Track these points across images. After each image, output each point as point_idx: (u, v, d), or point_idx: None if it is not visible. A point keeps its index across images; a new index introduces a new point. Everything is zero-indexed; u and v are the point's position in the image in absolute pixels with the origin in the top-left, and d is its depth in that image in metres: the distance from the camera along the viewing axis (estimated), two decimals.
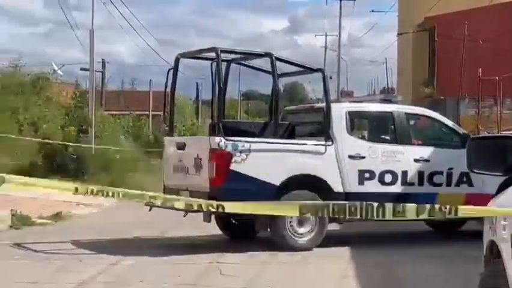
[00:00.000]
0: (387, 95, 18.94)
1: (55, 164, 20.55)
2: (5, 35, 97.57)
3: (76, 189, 7.91)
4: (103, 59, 37.16)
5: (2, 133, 18.97)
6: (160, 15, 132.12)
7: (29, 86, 35.89)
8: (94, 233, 11.76)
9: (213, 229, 11.25)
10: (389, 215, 4.77)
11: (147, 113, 37.24)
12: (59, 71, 41.51)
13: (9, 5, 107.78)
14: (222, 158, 9.88)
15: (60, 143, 20.48)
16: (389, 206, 4.77)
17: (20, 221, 12.34)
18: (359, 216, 4.93)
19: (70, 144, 20.27)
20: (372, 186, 10.55)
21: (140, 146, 26.21)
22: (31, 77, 37.98)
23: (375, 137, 11.41)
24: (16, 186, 8.35)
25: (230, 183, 9.83)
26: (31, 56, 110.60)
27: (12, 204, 13.39)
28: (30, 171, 20.51)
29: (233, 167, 9.89)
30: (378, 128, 11.83)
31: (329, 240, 10.41)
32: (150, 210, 10.85)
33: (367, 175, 10.57)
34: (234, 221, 11.35)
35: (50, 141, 20.83)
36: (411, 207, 4.74)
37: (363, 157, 10.59)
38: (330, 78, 12.28)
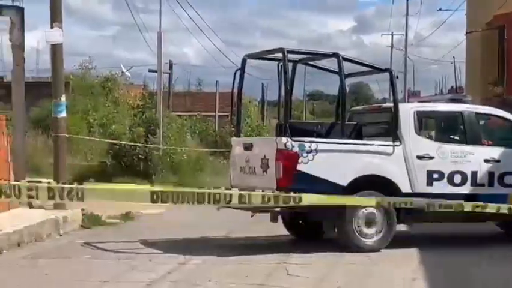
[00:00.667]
0: (456, 94, 18.61)
1: (124, 164, 20.86)
2: (75, 38, 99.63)
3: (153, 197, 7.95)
4: (170, 61, 37.57)
5: (73, 134, 19.34)
6: (226, 17, 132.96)
7: (98, 87, 36.59)
8: (162, 232, 11.91)
9: (280, 230, 11.26)
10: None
11: (213, 113, 37.47)
12: (127, 73, 42.17)
13: (79, 8, 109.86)
14: (288, 159, 9.88)
15: (129, 143, 20.77)
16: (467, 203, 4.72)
17: (90, 220, 12.57)
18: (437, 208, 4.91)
19: (139, 144, 20.55)
20: (441, 187, 10.41)
21: (207, 146, 26.41)
22: (100, 79, 38.71)
23: (444, 137, 11.24)
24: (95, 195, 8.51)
25: (297, 183, 9.82)
26: (100, 58, 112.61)
27: (83, 203, 13.65)
28: (99, 172, 20.92)
29: (300, 167, 9.88)
30: (447, 128, 11.65)
31: (397, 242, 10.30)
32: (218, 210, 10.95)
33: (436, 176, 10.44)
34: (300, 222, 11.34)
35: (118, 141, 21.14)
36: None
37: (432, 157, 10.46)
38: (397, 77, 12.16)
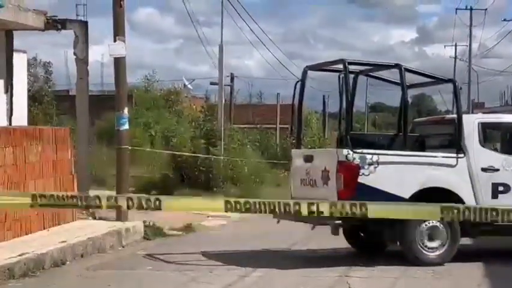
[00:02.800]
0: None
1: (185, 176, 20.99)
2: (139, 51, 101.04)
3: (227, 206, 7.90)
4: (231, 73, 37.82)
5: (135, 146, 19.59)
6: (288, 28, 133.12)
7: (161, 100, 37.03)
8: (223, 244, 11.92)
9: (341, 242, 11.16)
10: None
11: (274, 126, 37.50)
12: (189, 86, 42.60)
13: (143, 22, 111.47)
14: (349, 170, 9.80)
15: (191, 154, 20.88)
16: None
17: (152, 232, 12.67)
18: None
19: (200, 155, 20.66)
20: (507, 200, 10.16)
21: (268, 158, 26.41)
22: (163, 92, 39.16)
23: (509, 148, 10.99)
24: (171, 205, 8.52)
25: (358, 195, 9.69)
26: (163, 70, 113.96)
27: (145, 215, 13.78)
28: (161, 184, 21.09)
29: (361, 179, 9.79)
30: None
31: (461, 256, 10.10)
32: (278, 222, 10.91)
33: (501, 188, 10.21)
34: (362, 234, 11.22)
35: (180, 153, 21.28)
36: None
37: (497, 170, 10.24)
38: (461, 89, 11.99)
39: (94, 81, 42.04)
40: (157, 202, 7.56)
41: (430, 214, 8.05)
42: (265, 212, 8.04)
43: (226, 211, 8.00)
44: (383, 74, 11.84)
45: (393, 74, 11.15)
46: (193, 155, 20.76)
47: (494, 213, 7.72)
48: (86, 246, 10.42)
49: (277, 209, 8.20)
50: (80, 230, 11.27)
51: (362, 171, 9.76)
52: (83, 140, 13.25)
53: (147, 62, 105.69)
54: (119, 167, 13.03)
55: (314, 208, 7.90)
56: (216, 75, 26.43)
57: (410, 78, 10.76)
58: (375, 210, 7.38)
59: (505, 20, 64.96)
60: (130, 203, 7.55)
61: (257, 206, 7.90)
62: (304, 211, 7.85)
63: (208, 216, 16.05)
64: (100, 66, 51.76)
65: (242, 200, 7.83)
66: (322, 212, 7.67)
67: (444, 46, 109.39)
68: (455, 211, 7.55)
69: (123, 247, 11.40)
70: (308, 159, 10.78)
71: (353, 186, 9.76)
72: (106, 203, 7.52)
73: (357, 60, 11.22)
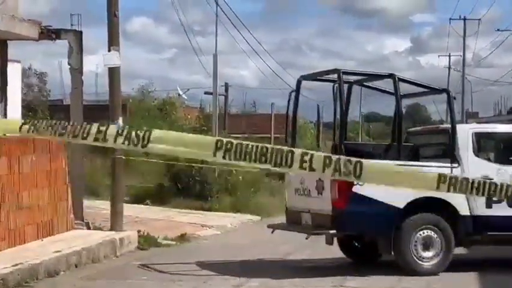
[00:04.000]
0: None
1: (180, 185, 20.98)
2: (134, 61, 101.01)
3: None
4: (226, 83, 37.88)
5: (130, 156, 19.56)
6: (282, 38, 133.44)
7: (155, 110, 37.03)
8: (217, 254, 11.91)
9: (336, 252, 11.16)
10: None
11: (269, 135, 37.52)
12: (183, 95, 42.63)
13: (137, 31, 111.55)
14: (344, 180, 9.78)
15: (185, 163, 20.83)
16: None
17: (147, 242, 12.64)
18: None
19: (193, 164, 20.62)
20: (501, 210, 10.18)
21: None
22: (158, 102, 39.16)
23: (503, 158, 11.00)
24: None
25: (353, 205, 9.74)
26: (158, 80, 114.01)
27: (139, 225, 13.78)
28: (156, 193, 21.07)
29: (356, 189, 9.78)
30: (507, 149, 11.40)
31: (456, 265, 10.11)
32: (273, 232, 10.92)
33: (495, 198, 10.21)
34: (356, 244, 11.23)
35: (174, 162, 21.23)
36: None
37: (491, 179, 10.24)
38: (454, 98, 11.98)
39: (88, 91, 42.02)
40: (147, 133, 7.62)
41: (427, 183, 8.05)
42: (256, 159, 7.74)
43: (215, 152, 7.74)
44: (378, 83, 11.86)
45: (387, 84, 11.18)
46: (187, 163, 20.71)
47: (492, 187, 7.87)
48: (81, 256, 10.40)
49: (269, 154, 7.94)
50: (75, 239, 11.25)
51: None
52: (78, 150, 13.23)
53: (142, 71, 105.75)
54: (114, 177, 13.02)
55: (307, 159, 7.76)
56: (210, 85, 26.46)
57: (404, 88, 10.79)
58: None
59: (498, 30, 65.13)
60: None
61: (249, 148, 7.71)
62: (296, 163, 7.70)
63: (202, 226, 16.06)
64: (95, 76, 51.70)
65: (234, 141, 7.75)
66: (314, 169, 7.63)
67: (438, 56, 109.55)
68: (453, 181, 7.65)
69: (117, 257, 11.38)
70: None
71: (347, 196, 9.77)
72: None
73: (351, 70, 11.24)
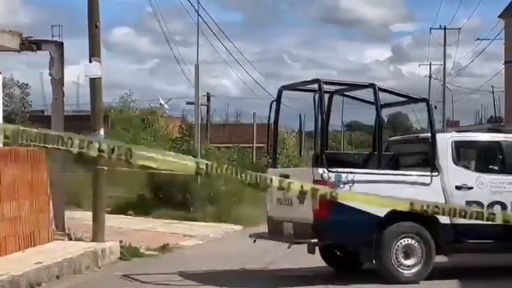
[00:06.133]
0: (495, 124, 18.43)
1: (162, 195, 20.97)
2: (115, 71, 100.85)
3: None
4: (208, 93, 37.90)
5: (111, 167, 19.50)
6: (264, 48, 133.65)
7: (137, 120, 36.99)
8: (200, 264, 11.92)
9: (318, 261, 11.20)
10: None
11: (251, 145, 37.59)
12: (166, 105, 42.61)
13: (119, 42, 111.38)
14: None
15: (166, 171, 20.80)
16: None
17: (129, 252, 12.62)
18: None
19: (175, 172, 20.60)
20: None
21: None
22: (139, 112, 39.12)
23: (483, 167, 11.10)
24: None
25: (334, 214, 9.78)
26: (140, 90, 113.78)
27: (121, 236, 13.75)
28: (138, 204, 21.05)
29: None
30: (486, 158, 11.50)
31: (436, 273, 10.17)
32: (254, 242, 10.94)
33: (475, 206, 10.31)
34: (338, 252, 11.27)
35: (156, 171, 21.22)
36: None
37: (471, 188, 10.35)
38: (435, 107, 12.01)
39: (70, 102, 41.91)
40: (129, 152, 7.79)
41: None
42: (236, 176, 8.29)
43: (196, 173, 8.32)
44: (359, 93, 11.94)
45: (368, 93, 11.25)
46: (168, 172, 20.67)
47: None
48: (62, 267, 10.36)
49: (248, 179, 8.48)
50: (56, 251, 11.21)
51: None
52: (59, 160, 13.20)
53: (123, 82, 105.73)
54: (96, 188, 13.00)
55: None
56: (192, 95, 26.50)
57: (384, 97, 10.86)
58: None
59: (478, 39, 65.52)
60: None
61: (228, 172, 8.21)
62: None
63: (185, 236, 16.06)
64: (76, 86, 51.56)
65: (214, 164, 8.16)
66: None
67: (419, 65, 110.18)
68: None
69: (99, 268, 11.34)
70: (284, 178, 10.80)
71: (328, 206, 9.80)
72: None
73: (332, 80, 11.31)
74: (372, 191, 9.92)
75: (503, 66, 37.55)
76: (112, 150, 8.23)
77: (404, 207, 9.59)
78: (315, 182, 9.82)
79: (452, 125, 46.68)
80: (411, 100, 11.53)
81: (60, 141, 8.09)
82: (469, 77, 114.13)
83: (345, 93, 11.95)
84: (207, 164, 8.61)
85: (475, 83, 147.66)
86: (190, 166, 8.67)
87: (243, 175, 8.68)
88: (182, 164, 8.86)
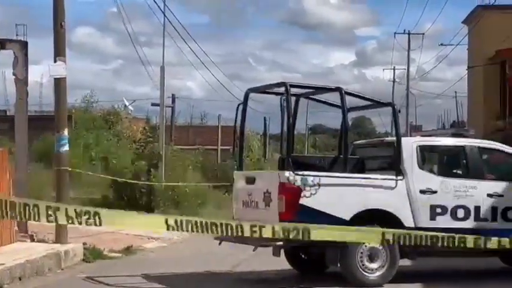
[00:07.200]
0: (458, 128, 18.62)
1: (126, 198, 20.83)
2: (78, 72, 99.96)
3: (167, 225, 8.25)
4: (173, 94, 37.72)
5: (75, 167, 19.38)
6: (229, 50, 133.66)
7: (100, 121, 36.71)
8: (165, 266, 11.85)
9: (283, 264, 11.20)
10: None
11: (215, 147, 37.53)
12: (130, 107, 42.35)
13: (82, 42, 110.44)
14: (291, 193, 9.85)
15: (130, 181, 20.67)
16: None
17: (92, 254, 12.51)
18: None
19: (139, 182, 20.48)
20: (444, 222, 10.37)
21: (209, 179, 26.39)
22: (103, 113, 38.84)
23: (447, 171, 11.22)
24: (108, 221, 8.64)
25: (299, 217, 9.78)
26: (103, 91, 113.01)
27: (85, 237, 13.61)
28: (101, 205, 20.83)
29: (302, 201, 9.85)
30: (450, 162, 11.63)
31: (401, 277, 10.24)
32: (220, 244, 10.90)
33: (439, 210, 10.40)
34: (303, 256, 11.29)
35: (119, 178, 21.08)
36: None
37: (435, 192, 10.44)
38: (399, 112, 12.12)
39: (32, 102, 41.42)
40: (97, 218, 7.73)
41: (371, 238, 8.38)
42: (206, 232, 8.30)
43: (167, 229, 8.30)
44: (324, 96, 11.97)
45: (333, 97, 11.29)
46: (133, 181, 20.52)
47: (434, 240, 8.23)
48: (25, 268, 10.23)
49: (219, 229, 8.48)
50: (19, 252, 11.06)
51: (303, 193, 9.83)
52: (22, 161, 13.03)
53: (87, 82, 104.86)
54: (59, 189, 12.85)
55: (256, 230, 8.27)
56: (157, 96, 26.37)
57: (350, 101, 10.91)
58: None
59: (442, 44, 66.20)
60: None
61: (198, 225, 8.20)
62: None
63: (149, 238, 15.95)
64: (39, 86, 50.95)
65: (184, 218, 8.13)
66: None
67: (383, 69, 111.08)
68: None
69: (62, 270, 11.22)
70: (250, 181, 10.81)
71: (294, 209, 9.82)
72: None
73: (299, 83, 11.30)
74: (337, 194, 9.96)
75: (467, 71, 37.98)
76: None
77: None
78: (282, 184, 9.84)
79: (415, 129, 47.12)
80: (377, 104, 11.60)
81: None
82: (433, 81, 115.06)
83: (312, 96, 11.98)
84: (175, 220, 8.67)
85: (438, 88, 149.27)
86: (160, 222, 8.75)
87: (213, 227, 8.76)
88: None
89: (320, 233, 9.06)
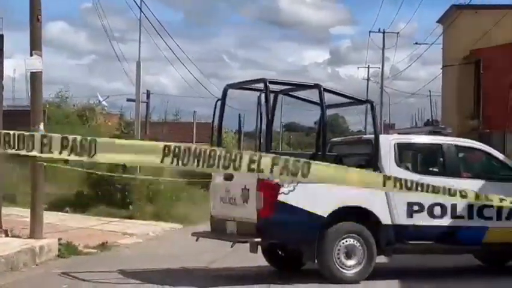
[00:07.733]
0: (436, 126, 18.72)
1: (101, 193, 20.69)
2: (52, 66, 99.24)
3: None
4: (148, 90, 37.55)
5: (49, 163, 19.22)
6: (204, 47, 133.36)
7: (74, 116, 36.47)
8: (140, 262, 11.78)
9: (260, 260, 11.19)
10: None
11: (190, 143, 37.41)
12: (104, 102, 42.15)
13: (55, 36, 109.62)
14: (269, 189, 9.83)
15: (105, 173, 20.54)
16: None
17: (67, 250, 12.41)
18: None
19: (115, 175, 20.35)
20: (421, 219, 10.42)
21: (185, 175, 26.30)
22: (77, 108, 38.60)
23: (424, 169, 11.27)
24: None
25: (278, 214, 9.78)
26: (77, 87, 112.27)
27: (60, 233, 13.52)
28: (76, 201, 20.72)
29: (281, 198, 9.83)
30: (427, 160, 11.68)
31: (377, 274, 10.27)
32: (197, 240, 10.87)
33: (416, 208, 10.44)
34: (280, 252, 11.28)
35: (94, 171, 20.93)
36: None
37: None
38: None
39: (6, 96, 41.04)
40: (93, 143, 7.59)
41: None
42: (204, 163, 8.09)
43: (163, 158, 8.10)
44: (301, 94, 11.96)
45: (311, 94, 11.28)
46: (108, 174, 20.40)
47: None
48: None
49: (217, 157, 8.34)
50: None
51: (281, 189, 9.81)
52: None
53: (60, 77, 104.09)
54: (34, 184, 12.72)
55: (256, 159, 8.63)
56: (131, 92, 26.30)
57: (328, 98, 10.89)
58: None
59: (416, 43, 66.56)
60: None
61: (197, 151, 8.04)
62: (245, 166, 8.10)
63: (124, 234, 15.88)
64: (11, 80, 50.47)
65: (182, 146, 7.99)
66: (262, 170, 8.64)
67: (358, 68, 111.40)
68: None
69: (37, 265, 11.11)
70: (228, 177, 10.76)
71: (272, 205, 9.80)
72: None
73: (278, 79, 11.29)
74: (315, 191, 9.96)
75: (441, 70, 38.21)
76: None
77: None
78: (260, 181, 9.81)
79: (388, 127, 47.34)
80: (355, 102, 11.62)
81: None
82: (407, 80, 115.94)
83: (290, 93, 11.96)
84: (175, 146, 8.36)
85: (412, 87, 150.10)
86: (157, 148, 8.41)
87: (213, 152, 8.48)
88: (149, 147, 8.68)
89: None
